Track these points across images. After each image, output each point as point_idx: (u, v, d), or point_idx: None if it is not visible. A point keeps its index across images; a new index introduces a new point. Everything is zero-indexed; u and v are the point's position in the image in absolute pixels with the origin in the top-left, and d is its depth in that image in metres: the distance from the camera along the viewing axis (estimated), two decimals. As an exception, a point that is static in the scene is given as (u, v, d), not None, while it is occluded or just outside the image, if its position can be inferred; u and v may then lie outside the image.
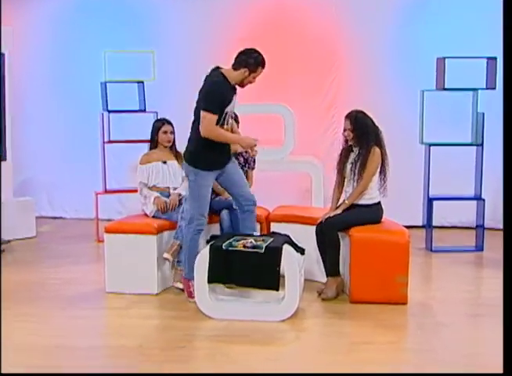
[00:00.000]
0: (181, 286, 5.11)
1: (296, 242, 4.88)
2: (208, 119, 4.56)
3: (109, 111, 7.09)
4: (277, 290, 4.49)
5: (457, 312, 4.74)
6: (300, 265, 4.64)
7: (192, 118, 4.76)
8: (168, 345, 4.08)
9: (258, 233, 5.05)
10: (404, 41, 7.61)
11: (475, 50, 6.66)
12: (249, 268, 4.48)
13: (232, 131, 4.93)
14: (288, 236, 4.91)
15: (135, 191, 5.76)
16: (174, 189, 5.52)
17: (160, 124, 5.63)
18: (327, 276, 5.05)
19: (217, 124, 4.61)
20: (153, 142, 5.63)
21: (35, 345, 4.06)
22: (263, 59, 4.69)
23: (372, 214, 5.07)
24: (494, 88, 6.45)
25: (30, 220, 7.28)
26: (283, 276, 4.49)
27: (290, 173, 7.40)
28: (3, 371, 3.68)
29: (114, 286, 5.15)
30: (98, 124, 7.10)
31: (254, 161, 5.74)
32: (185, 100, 7.77)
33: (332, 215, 5.02)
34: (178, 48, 7.92)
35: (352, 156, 5.10)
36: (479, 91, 6.52)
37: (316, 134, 7.73)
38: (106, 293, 5.15)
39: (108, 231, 5.19)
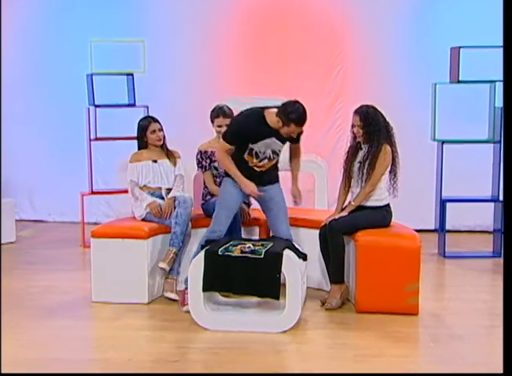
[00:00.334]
0: (171, 296, 5.14)
1: (298, 247, 4.90)
2: (220, 145, 4.96)
3: (96, 106, 7.10)
4: (277, 299, 4.51)
5: (473, 323, 4.75)
6: (302, 271, 4.66)
7: None
8: (160, 359, 4.09)
9: (257, 237, 5.06)
10: (415, 29, 7.63)
11: (492, 39, 6.64)
12: (247, 275, 4.50)
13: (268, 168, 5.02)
14: (289, 241, 4.92)
15: (125, 192, 5.78)
16: (167, 189, 5.53)
17: (146, 123, 5.60)
18: (331, 283, 5.06)
19: (241, 155, 4.88)
20: (142, 143, 5.62)
21: (16, 358, 4.06)
22: (298, 117, 4.69)
23: (380, 216, 5.08)
24: (513, 81, 6.47)
25: (9, 224, 7.28)
26: (284, 284, 4.51)
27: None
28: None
29: (101, 295, 5.16)
30: (84, 119, 7.11)
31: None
32: (178, 94, 7.92)
33: (337, 217, 5.04)
34: (171, 37, 7.93)
35: (361, 154, 5.11)
36: (497, 83, 6.54)
37: (320, 130, 7.74)
38: (92, 302, 5.16)
39: (94, 235, 5.20)
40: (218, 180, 5.64)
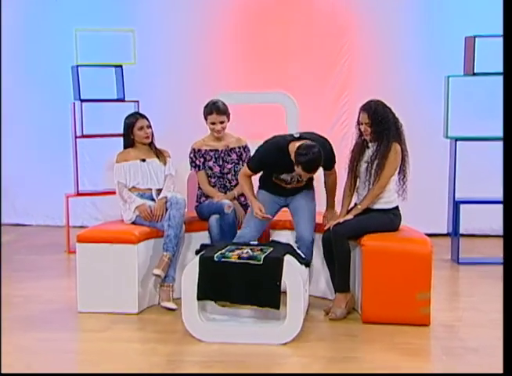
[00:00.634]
0: (168, 305, 5.15)
1: (299, 252, 4.90)
2: (243, 170, 5.30)
3: (82, 100, 7.11)
4: (277, 308, 4.51)
5: (488, 335, 4.75)
6: (304, 279, 4.66)
7: None
8: (151, 373, 4.08)
9: (256, 242, 5.07)
10: (427, 17, 7.64)
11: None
12: (245, 283, 4.50)
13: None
14: (290, 246, 4.93)
15: (113, 193, 5.79)
16: (157, 190, 5.53)
17: (133, 119, 5.60)
18: (336, 292, 5.07)
19: (270, 178, 5.22)
20: (128, 141, 5.62)
21: (-5, 373, 4.07)
22: (305, 163, 4.83)
23: (388, 220, 5.09)
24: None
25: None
26: (285, 292, 4.51)
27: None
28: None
29: (87, 304, 5.16)
30: (69, 115, 7.12)
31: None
32: (171, 87, 7.92)
33: (342, 220, 5.04)
34: (163, 25, 7.94)
35: (368, 153, 5.11)
36: (514, 76, 6.54)
37: (323, 127, 7.67)
38: (77, 313, 5.16)
39: (80, 240, 5.20)
40: (212, 180, 5.64)
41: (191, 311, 4.58)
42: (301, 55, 7.74)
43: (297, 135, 5.03)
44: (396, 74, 7.63)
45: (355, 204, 5.17)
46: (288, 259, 4.58)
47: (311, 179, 5.32)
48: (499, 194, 6.74)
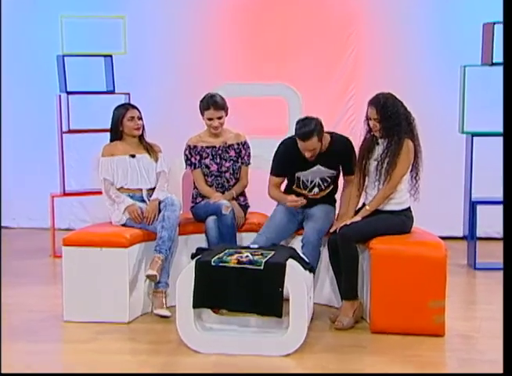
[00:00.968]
0: (162, 312, 5.16)
1: (303, 256, 4.91)
2: (269, 180, 5.50)
3: (69, 93, 7.11)
4: (279, 316, 4.52)
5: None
6: (308, 285, 4.66)
7: None
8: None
9: (256, 245, 5.07)
10: (441, 1, 7.63)
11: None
12: (244, 289, 4.50)
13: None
14: (294, 250, 4.93)
15: (101, 193, 5.77)
16: (148, 190, 5.51)
17: (123, 110, 5.56)
18: (343, 299, 5.07)
19: (291, 188, 5.42)
20: (117, 134, 5.57)
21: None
22: (298, 129, 5.14)
23: (399, 222, 5.09)
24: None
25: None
26: (287, 300, 4.51)
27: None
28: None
29: (74, 313, 5.17)
30: (54, 109, 7.12)
31: (249, 156, 5.77)
32: (165, 79, 7.92)
33: (349, 222, 5.04)
34: (156, 12, 7.94)
35: (377, 150, 5.10)
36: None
37: (329, 122, 7.63)
38: (63, 322, 5.16)
39: (67, 243, 5.21)
40: (209, 180, 5.65)
41: (186, 319, 4.58)
42: (304, 44, 7.73)
43: None
44: (407, 64, 7.63)
45: (363, 205, 5.17)
46: (291, 264, 4.58)
47: (333, 192, 5.44)
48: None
